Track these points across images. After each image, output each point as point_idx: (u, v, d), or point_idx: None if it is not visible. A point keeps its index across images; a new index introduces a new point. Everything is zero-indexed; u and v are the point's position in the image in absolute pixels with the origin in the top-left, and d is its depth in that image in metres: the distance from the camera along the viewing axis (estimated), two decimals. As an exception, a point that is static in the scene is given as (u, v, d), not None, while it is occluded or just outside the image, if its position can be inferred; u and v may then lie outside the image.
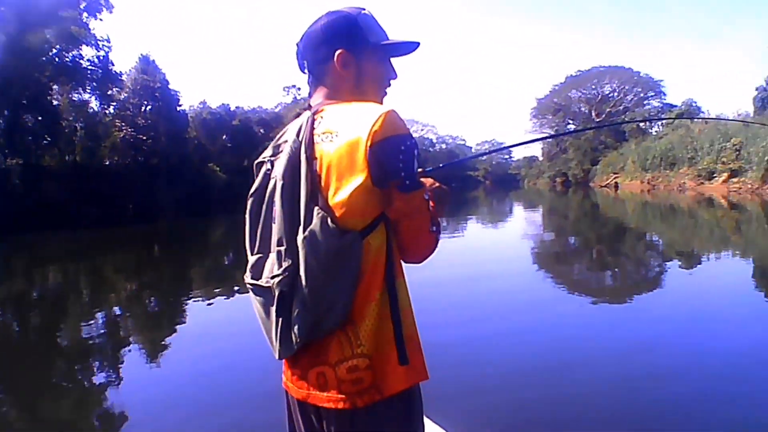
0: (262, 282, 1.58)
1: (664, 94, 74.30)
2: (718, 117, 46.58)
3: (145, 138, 41.13)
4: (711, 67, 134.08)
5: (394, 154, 1.49)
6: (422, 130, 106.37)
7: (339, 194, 1.49)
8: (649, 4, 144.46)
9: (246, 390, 5.47)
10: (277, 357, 1.59)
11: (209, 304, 10.04)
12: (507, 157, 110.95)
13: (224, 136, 55.57)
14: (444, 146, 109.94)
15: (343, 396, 1.53)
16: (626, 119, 62.68)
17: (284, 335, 1.53)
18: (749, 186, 35.44)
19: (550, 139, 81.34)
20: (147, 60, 44.45)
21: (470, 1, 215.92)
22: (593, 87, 78.73)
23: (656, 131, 60.61)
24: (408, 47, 1.75)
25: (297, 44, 1.74)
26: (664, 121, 58.43)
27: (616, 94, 77.26)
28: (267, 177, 1.65)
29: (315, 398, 1.58)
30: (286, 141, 1.63)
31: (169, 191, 38.05)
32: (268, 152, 1.69)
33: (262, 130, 57.27)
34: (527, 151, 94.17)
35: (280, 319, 1.52)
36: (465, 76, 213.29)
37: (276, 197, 1.56)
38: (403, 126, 1.53)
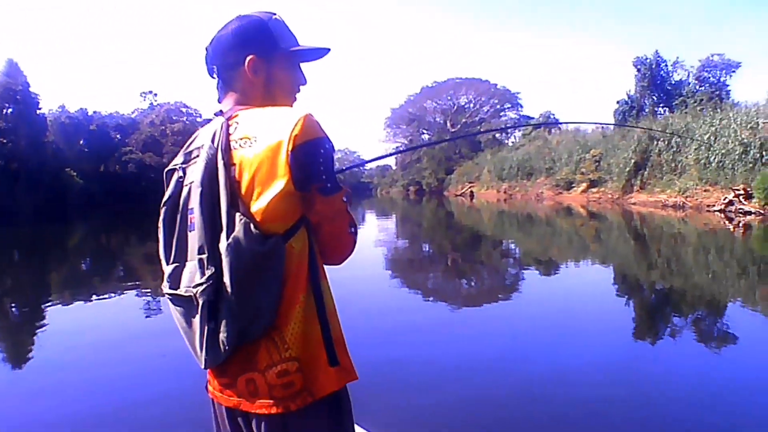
0: (182, 291, 1.53)
1: (521, 106, 75.73)
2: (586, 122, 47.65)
3: (5, 141, 40.43)
4: (572, 79, 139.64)
5: (315, 158, 1.49)
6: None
7: (260, 200, 1.45)
8: (512, 17, 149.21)
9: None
10: (202, 366, 1.55)
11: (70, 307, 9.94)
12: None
13: (81, 141, 55.43)
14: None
15: (275, 401, 1.51)
16: (482, 129, 63.43)
17: (211, 344, 1.48)
18: (609, 196, 36.28)
19: (400, 148, 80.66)
20: (11, 63, 43.79)
21: (325, 3, 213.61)
22: (449, 98, 78.81)
23: (512, 142, 61.57)
24: (317, 53, 1.75)
25: (206, 48, 1.69)
26: (521, 133, 59.32)
27: (472, 105, 77.86)
28: (179, 185, 1.59)
29: (246, 405, 1.55)
30: (199, 147, 1.58)
31: (28, 196, 37.73)
32: (178, 159, 1.65)
33: (118, 136, 57.85)
34: (380, 160, 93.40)
35: (206, 328, 1.47)
36: (317, 85, 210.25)
37: (194, 204, 1.50)
38: (321, 129, 1.51)
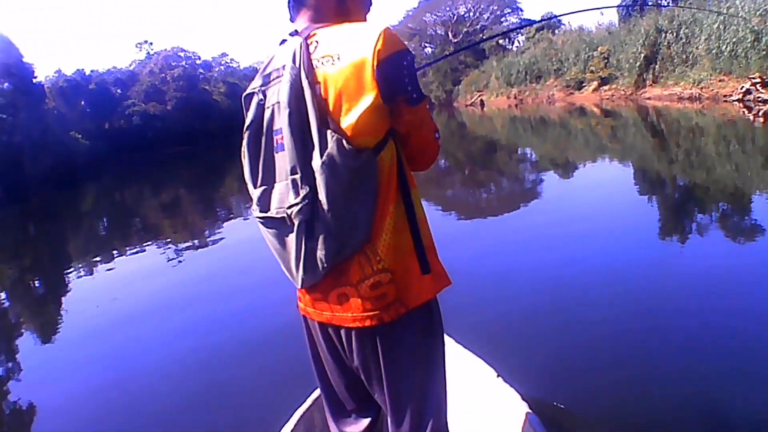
0: (272, 213, 1.57)
1: (521, 10, 73.49)
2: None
3: (5, 117, 39.35)
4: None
5: (399, 71, 1.50)
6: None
7: (349, 115, 1.47)
8: None
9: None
10: (299, 285, 1.60)
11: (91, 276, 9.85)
12: None
13: (82, 102, 54.25)
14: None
15: (369, 314, 1.54)
16: (485, 36, 61.10)
17: (309, 263, 1.52)
18: (622, 92, 35.15)
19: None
20: (1, 38, 42.20)
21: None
22: (447, 9, 76.37)
23: (516, 47, 60.11)
24: None
25: None
26: (524, 37, 57.77)
27: (471, 13, 75.49)
28: (261, 108, 1.61)
29: (339, 319, 1.60)
30: (278, 68, 1.58)
31: (35, 166, 36.61)
32: (256, 83, 1.66)
33: (119, 91, 56.85)
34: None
35: (303, 247, 1.51)
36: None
37: (282, 125, 1.52)
38: (401, 42, 1.54)
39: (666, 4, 36.01)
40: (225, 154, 32.91)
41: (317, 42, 1.56)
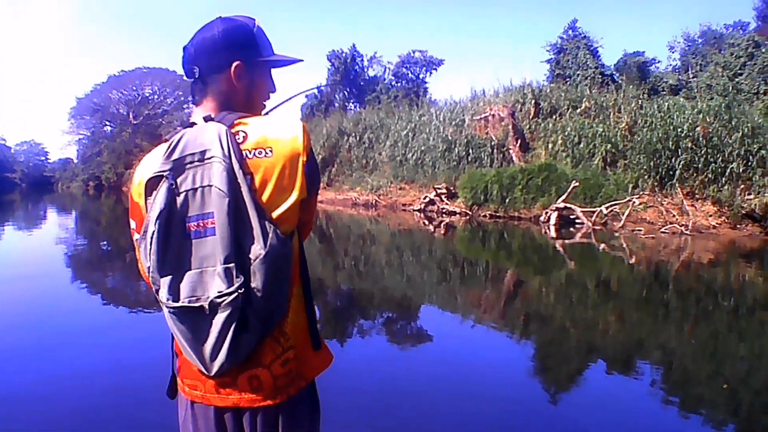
0: (183, 302, 1.50)
1: None
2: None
3: None
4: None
5: (316, 165, 1.63)
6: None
7: (280, 208, 1.52)
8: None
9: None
10: (212, 373, 1.55)
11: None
12: (42, 158, 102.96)
13: None
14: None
15: (278, 391, 1.58)
16: (164, 121, 61.27)
17: (233, 350, 1.50)
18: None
19: (86, 141, 76.62)
20: None
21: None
22: (134, 88, 74.10)
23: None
24: (291, 62, 1.80)
25: (186, 47, 1.69)
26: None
27: (156, 96, 74.15)
28: (172, 193, 1.53)
29: (248, 401, 1.60)
30: (194, 152, 1.53)
31: None
32: (162, 166, 1.54)
33: None
34: (63, 153, 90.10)
35: (229, 335, 1.49)
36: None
37: (216, 211, 1.49)
38: None
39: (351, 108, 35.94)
40: None
41: (245, 133, 1.56)
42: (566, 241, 15.02)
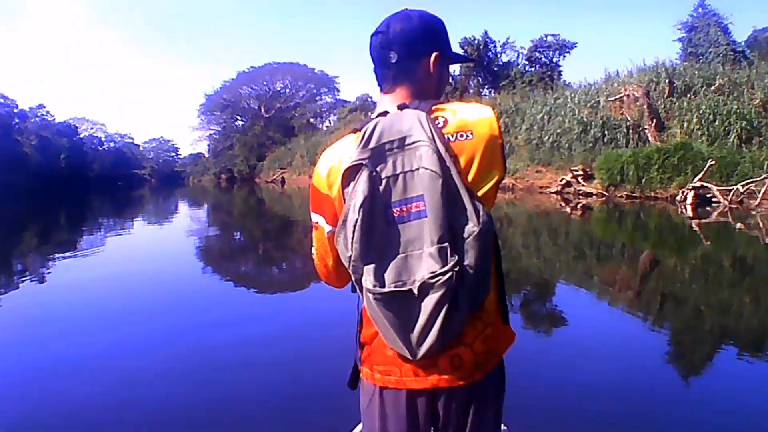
0: (390, 288, 1.50)
1: (338, 90, 74.15)
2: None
3: None
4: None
5: (504, 148, 1.66)
6: (91, 128, 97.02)
7: (483, 187, 1.56)
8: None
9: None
10: (419, 356, 1.55)
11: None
12: (173, 154, 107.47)
13: None
14: (113, 144, 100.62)
15: (478, 368, 1.60)
16: (296, 114, 62.14)
17: (444, 331, 1.50)
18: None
19: (217, 136, 78.50)
20: None
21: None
22: (265, 83, 75.94)
23: (327, 126, 59.18)
24: (467, 61, 2.44)
25: (377, 34, 1.71)
26: (336, 117, 57.41)
27: (288, 90, 75.58)
28: (373, 181, 1.54)
29: (446, 381, 1.59)
30: (394, 140, 1.55)
31: None
32: (361, 155, 1.55)
33: None
34: (193, 148, 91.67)
35: (442, 316, 1.49)
36: (132, 71, 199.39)
37: (427, 193, 1.49)
38: None
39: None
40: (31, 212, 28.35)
41: (444, 118, 1.59)
42: (702, 221, 14.91)
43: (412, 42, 1.67)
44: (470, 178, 1.52)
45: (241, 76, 77.08)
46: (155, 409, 4.19)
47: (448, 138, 1.54)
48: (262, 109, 73.68)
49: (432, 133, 1.50)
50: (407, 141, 1.52)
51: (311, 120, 59.63)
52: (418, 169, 1.49)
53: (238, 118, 77.72)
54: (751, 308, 7.08)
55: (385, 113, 1.61)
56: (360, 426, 2.08)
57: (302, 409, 4.10)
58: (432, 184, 1.46)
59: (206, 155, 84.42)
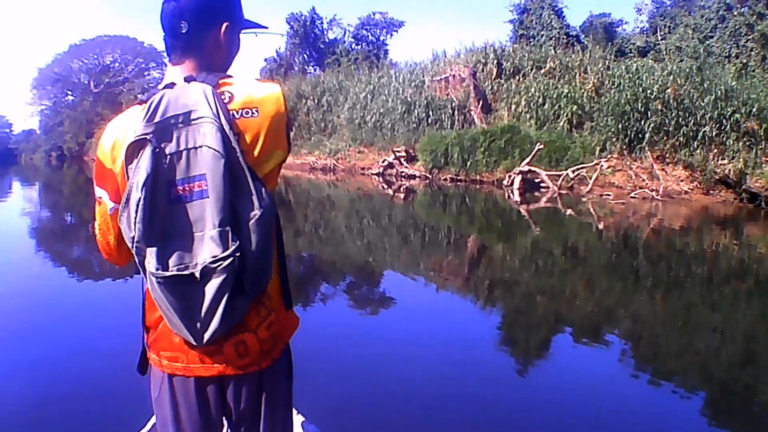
0: (173, 271, 1.41)
1: (165, 65, 71.32)
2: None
3: None
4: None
5: (292, 126, 2.00)
6: None
7: (266, 167, 1.48)
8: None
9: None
10: (204, 342, 1.48)
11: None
12: (7, 131, 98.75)
13: None
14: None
15: (264, 355, 1.54)
16: (125, 89, 59.62)
17: (226, 316, 1.43)
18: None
19: (48, 112, 75.22)
20: None
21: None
22: (95, 57, 72.49)
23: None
24: (260, 28, 1.78)
25: (167, 2, 1.54)
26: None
27: (117, 64, 72.44)
28: (157, 157, 1.41)
29: (233, 369, 1.54)
30: (178, 114, 1.42)
31: None
32: (145, 130, 1.42)
33: None
34: (26, 124, 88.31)
35: (224, 300, 1.42)
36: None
37: (209, 173, 1.40)
38: None
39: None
40: None
41: (231, 93, 1.48)
42: (531, 206, 14.54)
43: (200, 11, 1.53)
44: (254, 156, 1.45)
45: (73, 49, 73.42)
46: None
47: (233, 114, 1.44)
48: (92, 84, 70.04)
49: (217, 108, 1.41)
50: (192, 116, 1.41)
51: (139, 95, 54.37)
52: (201, 146, 1.40)
53: (69, 93, 74.38)
54: (583, 294, 7.06)
55: (172, 85, 1.48)
56: (154, 419, 1.95)
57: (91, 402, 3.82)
58: (214, 164, 1.38)
59: (38, 132, 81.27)
